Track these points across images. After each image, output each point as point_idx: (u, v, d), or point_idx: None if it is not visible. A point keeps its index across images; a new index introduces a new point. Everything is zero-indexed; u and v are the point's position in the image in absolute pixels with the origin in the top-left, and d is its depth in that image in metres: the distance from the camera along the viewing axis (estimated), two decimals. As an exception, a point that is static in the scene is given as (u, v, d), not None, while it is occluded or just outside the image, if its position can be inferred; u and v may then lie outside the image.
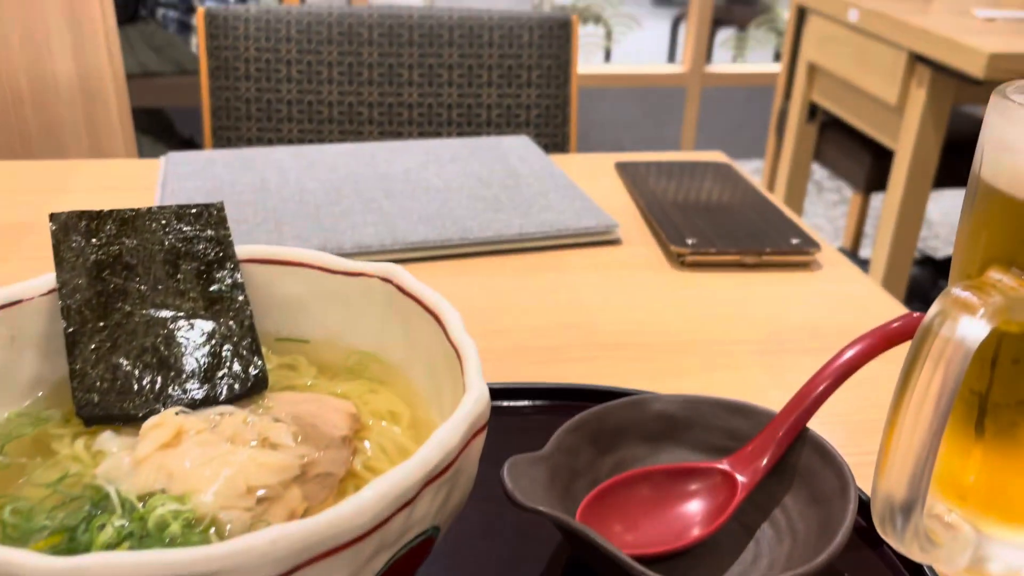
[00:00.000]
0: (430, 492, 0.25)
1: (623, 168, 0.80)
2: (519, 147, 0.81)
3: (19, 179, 0.76)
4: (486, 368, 0.52)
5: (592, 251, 0.65)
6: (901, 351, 0.50)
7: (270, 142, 0.95)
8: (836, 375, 0.37)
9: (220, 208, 0.37)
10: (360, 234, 0.62)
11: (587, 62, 3.22)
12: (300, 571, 0.21)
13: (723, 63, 3.19)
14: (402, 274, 0.34)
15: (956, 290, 0.29)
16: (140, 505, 0.27)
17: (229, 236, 0.36)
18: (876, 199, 2.76)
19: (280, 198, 0.68)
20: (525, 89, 0.95)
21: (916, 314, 0.38)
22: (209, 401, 0.32)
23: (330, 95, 0.93)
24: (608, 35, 3.24)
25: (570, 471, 0.36)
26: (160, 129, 2.34)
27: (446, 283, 0.60)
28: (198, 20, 0.88)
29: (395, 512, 0.23)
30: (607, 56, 3.31)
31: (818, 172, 3.08)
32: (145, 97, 2.32)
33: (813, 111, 1.95)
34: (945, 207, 2.86)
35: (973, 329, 0.28)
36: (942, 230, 2.72)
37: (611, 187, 0.77)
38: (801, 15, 1.99)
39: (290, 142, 0.95)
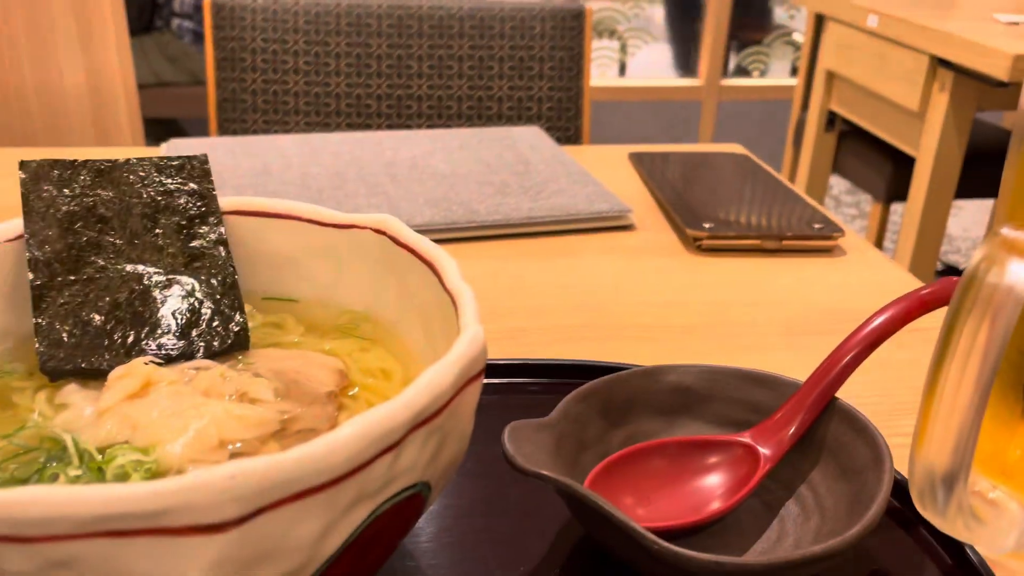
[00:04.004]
0: (418, 439, 0.22)
1: (638, 158, 0.77)
2: (529, 136, 0.78)
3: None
4: (492, 349, 0.49)
5: (604, 236, 0.62)
6: (933, 330, 0.47)
7: (276, 134, 0.93)
8: (866, 343, 0.34)
9: (204, 160, 0.34)
10: (363, 216, 0.60)
11: (601, 76, 3.21)
12: (265, 514, 0.19)
13: (739, 77, 3.17)
14: (396, 224, 0.31)
15: (1005, 231, 0.26)
16: (99, 456, 0.24)
17: (213, 190, 0.34)
18: (895, 213, 2.72)
19: (281, 182, 0.66)
20: (537, 81, 0.93)
21: (955, 278, 0.35)
22: (185, 357, 0.30)
23: (338, 87, 0.92)
24: (623, 48, 3.23)
25: (577, 442, 0.33)
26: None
27: (451, 266, 0.57)
28: (204, 10, 0.87)
29: (376, 456, 0.21)
30: (622, 70, 3.30)
31: (836, 187, 3.04)
32: (158, 107, 2.33)
33: (831, 120, 1.92)
34: (965, 223, 2.81)
35: (1025, 273, 0.25)
36: (963, 244, 2.68)
37: (625, 177, 0.74)
38: (819, 23, 1.97)
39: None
